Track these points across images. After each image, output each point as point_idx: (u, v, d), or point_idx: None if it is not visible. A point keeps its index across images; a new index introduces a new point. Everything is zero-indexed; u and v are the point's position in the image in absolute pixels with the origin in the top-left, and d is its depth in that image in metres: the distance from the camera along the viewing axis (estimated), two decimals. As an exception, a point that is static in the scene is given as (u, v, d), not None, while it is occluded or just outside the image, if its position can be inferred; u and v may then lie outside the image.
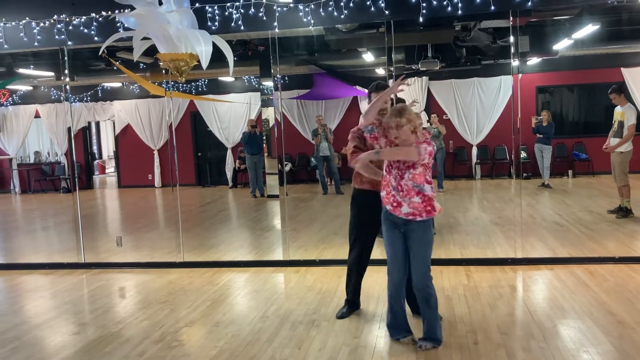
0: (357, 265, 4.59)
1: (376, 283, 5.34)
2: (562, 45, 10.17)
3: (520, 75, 6.13)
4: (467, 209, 9.59)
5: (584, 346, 3.74)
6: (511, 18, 5.74)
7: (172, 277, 5.98)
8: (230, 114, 14.47)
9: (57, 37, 6.24)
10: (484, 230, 7.53)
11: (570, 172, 13.03)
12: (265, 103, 11.26)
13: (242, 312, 4.82)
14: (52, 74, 11.56)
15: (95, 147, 19.21)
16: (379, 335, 4.10)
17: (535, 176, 12.24)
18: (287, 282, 5.68)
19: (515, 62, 5.97)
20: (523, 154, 12.87)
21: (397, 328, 4.00)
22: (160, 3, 4.23)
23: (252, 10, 5.81)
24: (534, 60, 12.40)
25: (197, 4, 5.74)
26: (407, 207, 3.77)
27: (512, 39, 5.90)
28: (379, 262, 6.09)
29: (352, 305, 4.62)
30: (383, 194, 3.88)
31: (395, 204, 3.80)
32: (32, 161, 16.24)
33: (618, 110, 7.76)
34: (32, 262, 6.92)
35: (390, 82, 6.20)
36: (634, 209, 7.77)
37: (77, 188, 7.12)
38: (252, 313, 4.73)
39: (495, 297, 4.80)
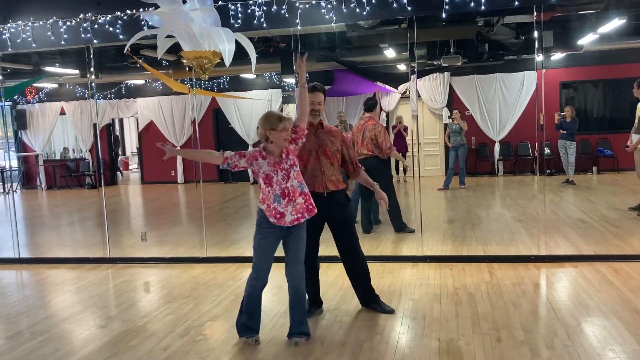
0: (307, 265, 4.32)
1: (398, 280, 5.35)
2: (587, 40, 10.03)
3: (544, 70, 6.06)
4: (489, 205, 9.52)
5: (609, 344, 3.70)
6: (535, 13, 5.68)
7: (196, 272, 6.05)
8: (252, 111, 14.54)
9: (83, 35, 6.35)
10: (507, 227, 7.48)
11: (594, 168, 12.85)
12: (287, 100, 11.29)
13: (264, 307, 4.82)
14: (77, 71, 11.76)
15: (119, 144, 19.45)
16: (401, 332, 4.11)
17: (559, 173, 12.09)
18: (309, 278, 5.69)
19: (539, 58, 5.91)
20: (546, 151, 12.72)
21: (250, 328, 4.06)
22: (184, 1, 4.28)
23: (275, 7, 5.85)
24: (558, 55, 12.24)
25: (220, 2, 5.79)
26: (290, 214, 3.85)
27: (536, 34, 5.84)
28: (395, 259, 6.12)
29: (313, 303, 4.60)
30: (264, 207, 3.87)
31: (278, 216, 3.85)
32: (58, 157, 16.51)
33: None
34: (58, 257, 7.06)
35: (409, 82, 6.19)
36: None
37: (102, 184, 7.24)
38: (274, 308, 4.77)
39: (518, 295, 4.78)
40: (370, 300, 4.58)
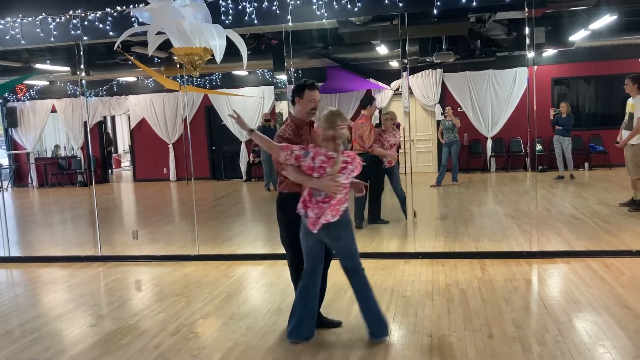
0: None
1: (390, 276, 5.35)
2: (578, 37, 10.04)
3: (535, 67, 6.07)
4: (482, 202, 9.55)
5: (600, 340, 3.72)
6: (526, 9, 5.69)
7: (188, 270, 6.03)
8: (244, 108, 14.49)
9: (72, 32, 6.30)
10: (499, 223, 7.50)
11: (586, 164, 12.90)
12: (279, 97, 11.26)
13: (256, 305, 4.85)
14: (68, 69, 11.66)
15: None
16: (392, 328, 4.10)
17: (551, 169, 12.14)
18: (301, 275, 5.69)
19: (530, 54, 5.92)
20: (538, 147, 12.77)
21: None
22: (174, -2, 4.25)
23: (266, 3, 5.82)
24: (549, 52, 12.27)
25: (210, -2, 5.76)
26: None
27: (527, 30, 5.84)
28: (387, 256, 6.13)
29: None
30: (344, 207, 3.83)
31: None
32: (49, 155, 16.42)
33: (630, 102, 7.67)
34: (50, 255, 7.02)
35: (403, 77, 6.19)
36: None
37: (93, 182, 7.21)
38: (266, 306, 4.76)
39: (510, 291, 4.79)
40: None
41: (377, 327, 3.88)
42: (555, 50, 12.02)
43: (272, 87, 13.53)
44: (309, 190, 3.79)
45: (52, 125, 16.41)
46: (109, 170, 17.08)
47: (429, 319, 4.23)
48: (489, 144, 13.55)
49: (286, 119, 4.19)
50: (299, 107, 4.08)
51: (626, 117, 7.69)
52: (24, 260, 6.93)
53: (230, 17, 5.87)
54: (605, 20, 8.90)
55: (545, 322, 4.08)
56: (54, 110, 15.69)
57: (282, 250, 6.72)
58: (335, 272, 4.66)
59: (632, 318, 4.06)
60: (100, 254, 6.78)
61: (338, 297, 4.82)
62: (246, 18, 5.87)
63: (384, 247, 6.57)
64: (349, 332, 4.07)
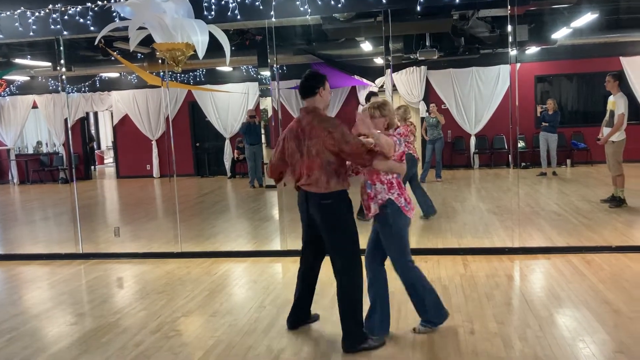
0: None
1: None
2: (560, 34, 10.14)
3: (518, 64, 6.12)
4: (465, 198, 9.60)
5: (579, 335, 3.75)
6: (509, 7, 5.72)
7: (170, 268, 5.99)
8: (228, 104, 14.42)
9: (52, 27, 6.21)
10: (482, 219, 7.54)
11: (568, 161, 13.03)
12: (263, 93, 11.23)
13: (239, 302, 4.83)
14: (49, 64, 11.50)
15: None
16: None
17: (534, 165, 12.24)
18: (284, 272, 5.69)
19: (513, 52, 5.95)
20: (521, 144, 12.87)
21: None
22: (156, -8, 4.20)
23: (249, -1, 5.78)
24: (532, 50, 12.35)
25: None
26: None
27: (510, 28, 5.87)
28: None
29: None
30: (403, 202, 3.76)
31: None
32: (30, 152, 16.20)
33: (610, 99, 7.73)
34: (30, 253, 6.93)
35: (387, 74, 6.19)
36: (628, 198, 7.77)
37: (74, 179, 7.12)
38: (249, 303, 4.74)
39: (492, 287, 4.82)
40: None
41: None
42: (538, 48, 12.11)
43: (257, 83, 13.47)
44: (397, 179, 3.77)
45: (33, 121, 16.18)
46: (92, 167, 16.91)
47: (411, 315, 4.23)
48: (473, 140, 13.63)
49: (311, 110, 3.87)
50: (322, 98, 3.94)
51: (607, 115, 7.77)
52: (4, 257, 6.83)
53: (213, 13, 5.83)
54: (587, 18, 8.99)
55: (526, 317, 4.11)
56: (35, 106, 15.48)
57: (266, 247, 6.75)
58: (328, 268, 4.65)
59: (611, 313, 4.10)
60: (81, 252, 6.71)
61: (323, 293, 4.81)
62: (229, 13, 5.83)
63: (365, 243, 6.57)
64: (332, 327, 4.05)
